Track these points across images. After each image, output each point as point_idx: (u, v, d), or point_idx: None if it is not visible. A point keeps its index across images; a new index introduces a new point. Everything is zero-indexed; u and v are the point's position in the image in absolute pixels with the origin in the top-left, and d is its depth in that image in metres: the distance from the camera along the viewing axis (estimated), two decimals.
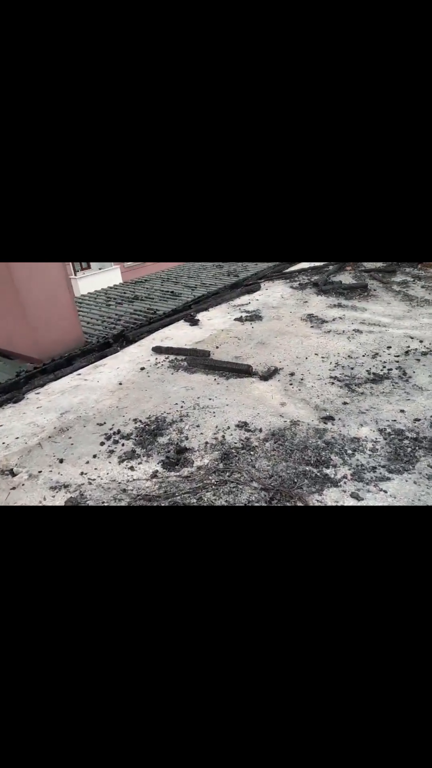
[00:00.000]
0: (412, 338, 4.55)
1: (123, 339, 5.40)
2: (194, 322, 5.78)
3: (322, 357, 4.32)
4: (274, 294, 6.76)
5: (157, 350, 4.88)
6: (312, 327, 5.15)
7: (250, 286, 7.27)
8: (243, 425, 3.24)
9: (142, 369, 4.48)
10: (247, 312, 5.96)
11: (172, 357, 4.70)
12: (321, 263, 8.23)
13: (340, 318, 5.34)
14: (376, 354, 4.28)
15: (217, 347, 4.84)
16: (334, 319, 5.31)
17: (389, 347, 4.40)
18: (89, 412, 3.71)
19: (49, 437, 3.40)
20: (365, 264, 7.94)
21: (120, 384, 4.19)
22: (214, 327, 5.54)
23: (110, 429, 3.41)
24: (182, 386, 3.98)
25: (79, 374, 4.58)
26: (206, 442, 3.08)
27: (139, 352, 5.01)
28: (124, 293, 8.20)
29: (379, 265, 7.81)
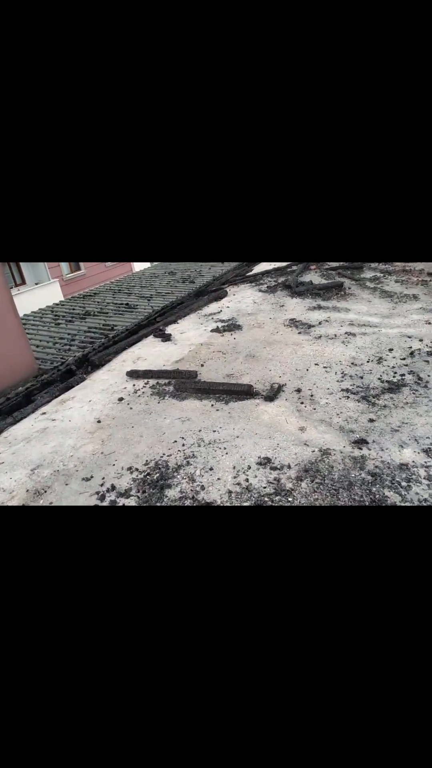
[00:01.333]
0: (409, 337, 4.26)
1: (88, 364, 4.67)
2: (166, 338, 5.17)
3: (324, 367, 3.89)
4: (244, 299, 6.29)
5: (133, 375, 4.22)
6: (300, 333, 4.72)
7: (216, 292, 6.76)
8: (266, 462, 2.70)
9: (121, 400, 3.80)
10: (223, 321, 5.44)
11: (152, 381, 4.06)
12: (284, 264, 7.91)
13: (326, 321, 4.97)
14: (380, 358, 3.92)
15: (202, 365, 4.26)
16: (320, 323, 4.93)
17: (390, 349, 4.06)
18: (68, 464, 3.00)
19: (23, 506, 2.66)
20: (330, 262, 7.72)
21: (99, 422, 3.49)
22: (190, 341, 4.96)
23: (101, 485, 2.73)
24: (176, 417, 3.37)
25: (44, 413, 3.81)
26: (229, 491, 2.51)
27: (111, 378, 4.32)
28: (74, 309, 7.37)
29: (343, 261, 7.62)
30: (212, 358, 4.40)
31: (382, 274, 6.43)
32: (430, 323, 4.49)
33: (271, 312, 5.55)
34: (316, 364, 3.96)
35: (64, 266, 13.97)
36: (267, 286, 6.77)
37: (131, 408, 3.64)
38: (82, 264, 14.37)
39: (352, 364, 3.89)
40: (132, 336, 5.46)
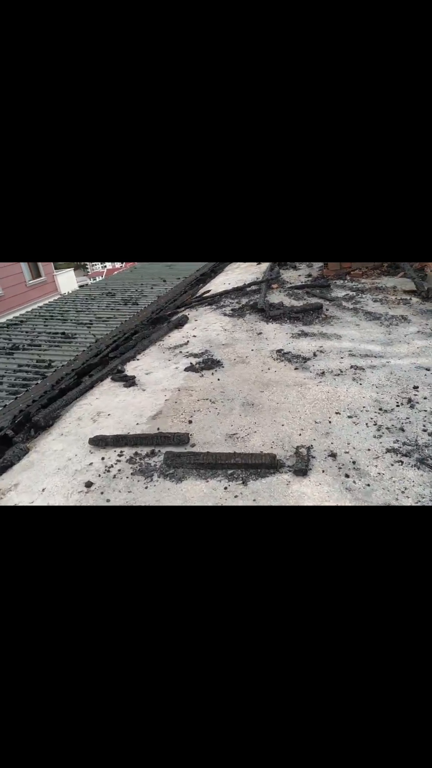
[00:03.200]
0: (428, 369, 3.66)
1: (31, 427, 3.46)
2: (129, 381, 4.10)
3: (349, 416, 3.12)
4: (210, 326, 5.41)
5: (100, 443, 3.11)
6: (297, 369, 3.94)
7: (173, 317, 5.80)
8: None
9: (90, 486, 2.70)
10: (195, 356, 4.50)
11: (128, 451, 3.00)
12: (240, 284, 7.19)
13: (321, 352, 4.25)
14: (409, 400, 3.24)
15: (189, 421, 3.29)
16: (315, 354, 4.19)
17: (416, 387, 3.41)
18: None
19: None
20: (288, 280, 7.13)
21: None
22: (163, 386, 3.95)
23: None
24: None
25: None
26: None
27: (67, 448, 3.17)
28: None
29: (302, 278, 7.07)
30: (200, 410, 3.43)
31: (354, 293, 5.92)
32: None
33: (249, 342, 4.73)
34: (337, 413, 3.17)
35: None
36: (232, 309, 5.96)
37: (108, 500, 2.56)
38: None
39: (380, 410, 3.16)
40: (82, 379, 4.32)
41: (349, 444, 2.82)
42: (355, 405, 3.25)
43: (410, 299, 5.37)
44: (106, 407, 3.71)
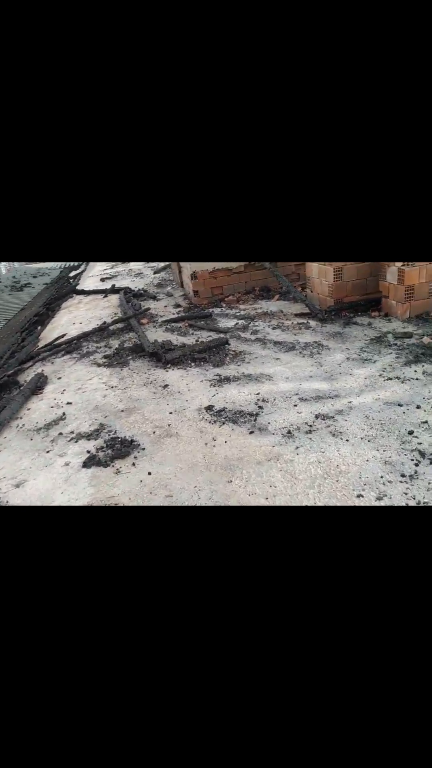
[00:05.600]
0: (400, 406, 3.03)
1: None
2: None
3: (378, 497, 2.17)
4: (86, 384, 3.88)
5: None
6: (252, 433, 2.84)
7: (29, 381, 4.02)
8: None
9: None
10: (89, 437, 2.97)
11: None
12: (99, 323, 5.75)
13: (264, 401, 3.25)
14: (423, 453, 2.50)
15: None
16: (260, 407, 3.16)
17: (411, 432, 2.70)
18: None
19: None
20: (156, 313, 6.03)
21: None
22: (57, 503, 2.32)
23: None
24: None
25: None
26: None
27: None
28: None
29: (169, 308, 6.05)
30: None
31: (245, 321, 5.18)
32: (391, 379, 3.41)
33: (158, 400, 3.42)
34: (359, 496, 2.19)
35: None
36: (105, 357, 4.50)
37: None
38: None
39: (403, 476, 2.32)
40: None
41: None
42: (370, 477, 2.33)
43: (308, 322, 4.89)
44: None
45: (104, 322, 5.57)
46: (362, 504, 2.14)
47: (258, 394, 3.36)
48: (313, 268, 5.24)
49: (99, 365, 4.31)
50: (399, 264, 4.37)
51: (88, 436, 2.99)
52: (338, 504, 2.15)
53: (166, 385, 3.67)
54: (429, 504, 2.11)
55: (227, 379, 3.66)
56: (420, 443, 2.59)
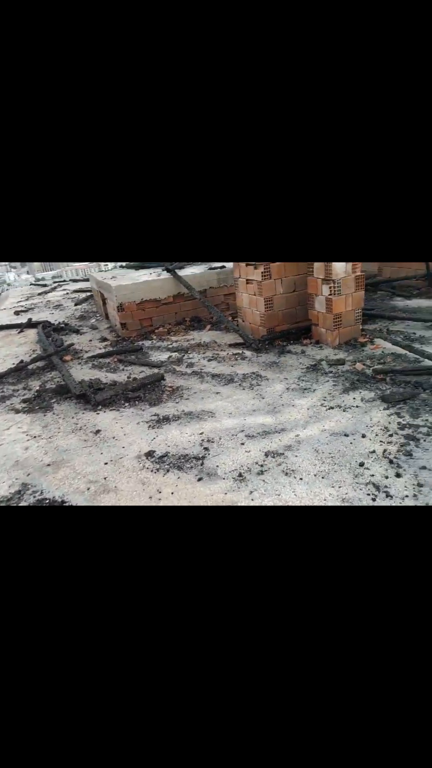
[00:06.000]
0: (346, 435, 2.98)
1: None
2: None
3: None
4: (3, 434, 3.38)
5: None
6: (202, 480, 2.59)
7: None
8: None
9: None
10: (8, 501, 2.51)
11: None
12: (16, 362, 5.21)
13: (209, 441, 3.02)
14: (377, 486, 2.42)
15: None
16: (206, 448, 2.93)
17: (362, 464, 2.64)
18: None
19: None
20: (81, 348, 5.62)
21: None
22: None
23: None
24: None
25: None
26: None
27: None
28: None
29: (94, 343, 5.68)
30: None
31: (178, 353, 4.98)
32: (333, 408, 3.38)
33: (91, 449, 3.05)
34: None
35: None
36: (24, 401, 4.01)
37: None
38: None
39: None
40: None
41: None
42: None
43: (243, 352, 4.81)
44: None
45: (21, 361, 5.04)
46: None
47: (201, 433, 3.14)
48: (244, 298, 5.23)
49: (18, 411, 3.82)
50: (326, 293, 4.47)
51: (8, 500, 2.54)
52: None
53: (98, 431, 3.30)
54: None
55: (167, 419, 3.40)
56: (372, 475, 2.52)
